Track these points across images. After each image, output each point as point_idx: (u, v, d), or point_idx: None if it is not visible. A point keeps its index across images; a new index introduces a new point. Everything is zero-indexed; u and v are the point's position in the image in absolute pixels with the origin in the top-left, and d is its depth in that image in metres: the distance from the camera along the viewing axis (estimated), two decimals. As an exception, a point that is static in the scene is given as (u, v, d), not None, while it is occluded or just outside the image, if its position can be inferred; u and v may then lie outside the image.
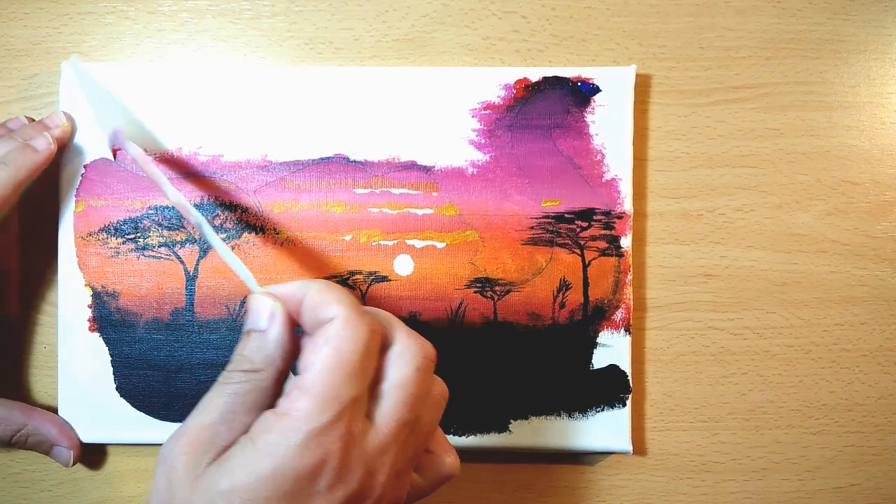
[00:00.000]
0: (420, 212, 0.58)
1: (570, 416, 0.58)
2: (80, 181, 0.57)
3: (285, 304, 0.40)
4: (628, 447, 0.58)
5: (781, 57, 0.60)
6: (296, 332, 0.40)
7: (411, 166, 0.58)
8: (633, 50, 0.60)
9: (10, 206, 0.53)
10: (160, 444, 0.58)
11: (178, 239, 0.57)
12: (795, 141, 0.60)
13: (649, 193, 0.60)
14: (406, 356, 0.40)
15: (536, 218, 0.58)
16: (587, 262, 0.58)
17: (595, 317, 0.58)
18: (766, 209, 0.60)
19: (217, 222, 0.57)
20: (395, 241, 0.57)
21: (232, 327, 0.57)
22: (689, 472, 0.60)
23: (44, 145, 0.54)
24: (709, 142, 0.60)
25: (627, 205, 0.58)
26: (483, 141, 0.58)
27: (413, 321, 0.57)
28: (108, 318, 0.57)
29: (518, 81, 0.58)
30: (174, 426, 0.56)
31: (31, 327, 0.59)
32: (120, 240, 0.57)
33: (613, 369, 0.58)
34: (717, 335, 0.60)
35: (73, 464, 0.57)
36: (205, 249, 0.57)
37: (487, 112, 0.58)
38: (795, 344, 0.60)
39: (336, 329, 0.38)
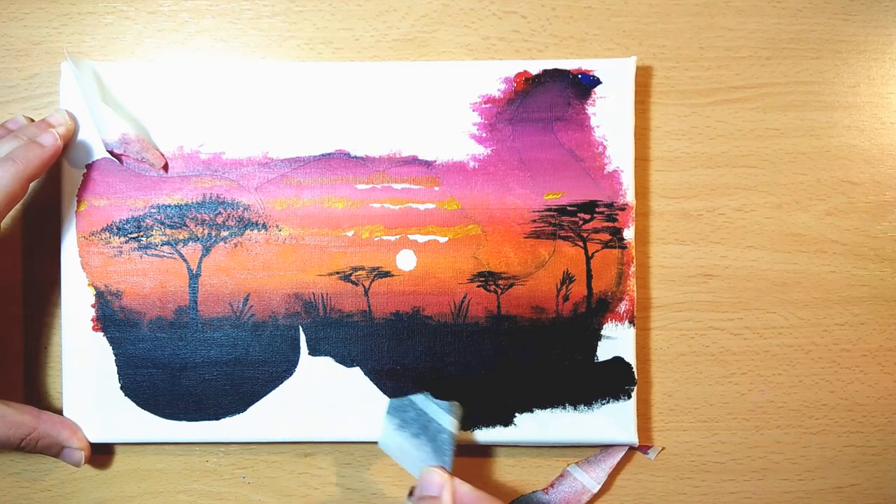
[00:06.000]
0: (422, 206, 0.58)
1: (575, 408, 0.57)
2: (82, 181, 0.57)
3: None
4: (634, 439, 0.58)
5: (781, 57, 0.60)
6: None
7: (412, 161, 0.58)
8: (633, 50, 0.60)
9: (18, 202, 0.53)
10: (165, 444, 0.59)
11: (181, 237, 0.57)
12: (795, 141, 0.60)
13: (649, 193, 0.60)
14: None
15: (539, 211, 0.58)
16: (590, 255, 0.58)
17: (599, 309, 0.58)
18: (766, 209, 0.60)
19: (219, 220, 0.57)
20: (398, 237, 0.57)
21: (236, 324, 0.57)
22: (689, 472, 0.60)
23: (50, 141, 0.54)
24: (709, 142, 0.60)
25: (630, 197, 0.58)
26: (484, 135, 0.58)
27: (416, 316, 0.58)
28: (111, 317, 0.57)
29: (518, 74, 0.58)
30: (179, 425, 0.57)
31: (35, 328, 0.59)
32: (123, 239, 0.57)
33: (618, 361, 0.58)
34: (717, 335, 0.60)
35: (84, 464, 0.57)
36: (208, 247, 0.57)
37: (488, 106, 0.58)
38: (795, 344, 0.60)
39: None
